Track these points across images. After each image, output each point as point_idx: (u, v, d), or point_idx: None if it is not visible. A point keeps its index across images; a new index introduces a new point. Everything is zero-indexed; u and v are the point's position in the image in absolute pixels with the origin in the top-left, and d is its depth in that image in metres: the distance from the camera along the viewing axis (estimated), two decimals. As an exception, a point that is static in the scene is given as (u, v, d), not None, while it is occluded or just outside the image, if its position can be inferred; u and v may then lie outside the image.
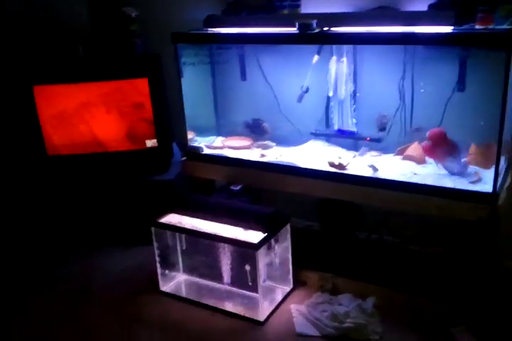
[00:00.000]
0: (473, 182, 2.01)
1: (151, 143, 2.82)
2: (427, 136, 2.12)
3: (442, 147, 2.10)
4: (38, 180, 2.84)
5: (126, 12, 2.77)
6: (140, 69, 2.71)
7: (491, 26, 1.85)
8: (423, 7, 2.11)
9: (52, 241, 2.88)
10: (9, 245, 2.85)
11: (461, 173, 2.11)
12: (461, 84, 2.09)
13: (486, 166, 2.05)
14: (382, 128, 2.26)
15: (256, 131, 2.65)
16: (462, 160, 2.12)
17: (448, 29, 1.87)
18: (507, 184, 2.07)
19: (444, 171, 2.13)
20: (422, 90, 2.20)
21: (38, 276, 2.62)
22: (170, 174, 2.83)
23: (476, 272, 2.17)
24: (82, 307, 2.35)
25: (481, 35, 1.82)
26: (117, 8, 2.83)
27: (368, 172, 2.20)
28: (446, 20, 1.87)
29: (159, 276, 2.43)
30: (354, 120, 2.40)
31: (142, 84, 2.71)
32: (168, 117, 2.83)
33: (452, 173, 2.12)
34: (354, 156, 2.34)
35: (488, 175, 1.98)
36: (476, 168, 2.10)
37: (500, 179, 1.96)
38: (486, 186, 1.95)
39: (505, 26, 1.83)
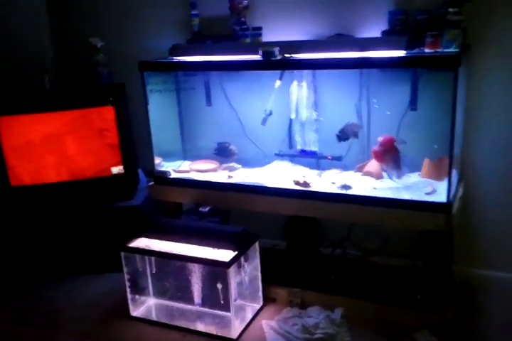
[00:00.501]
0: (428, 194, 2.15)
1: (117, 170, 2.85)
2: (379, 142, 2.26)
3: (391, 153, 2.25)
4: (2, 211, 2.80)
5: (92, 42, 2.84)
6: (105, 97, 2.76)
7: (439, 50, 2.03)
8: (377, 33, 2.30)
9: (20, 271, 2.82)
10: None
11: (399, 178, 2.30)
12: (413, 104, 2.26)
13: (439, 178, 2.20)
14: (355, 135, 2.33)
15: (223, 153, 2.72)
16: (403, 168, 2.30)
17: (400, 53, 2.03)
18: (459, 194, 2.23)
19: (400, 185, 2.28)
20: (376, 106, 2.35)
21: (5, 307, 2.56)
22: (136, 200, 2.85)
23: (434, 280, 2.28)
24: (51, 336, 2.31)
25: (430, 57, 2.00)
26: (83, 38, 2.90)
27: (332, 187, 2.31)
28: (398, 45, 2.03)
29: (129, 301, 2.42)
30: (316, 139, 2.52)
31: (108, 113, 2.76)
32: (134, 144, 2.88)
33: (391, 177, 2.30)
34: (318, 174, 2.45)
35: (442, 186, 2.12)
36: (430, 180, 2.26)
37: (453, 190, 2.12)
38: (441, 197, 2.08)
39: (451, 49, 2.00)
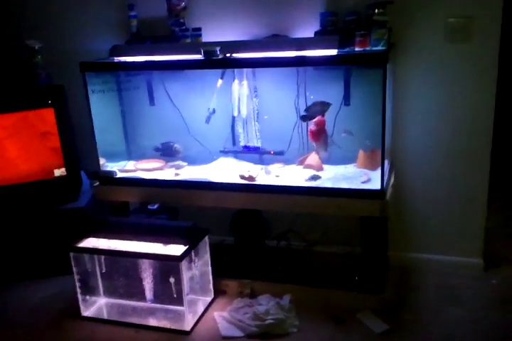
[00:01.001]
0: (364, 182, 2.31)
1: (59, 172, 2.82)
2: (314, 122, 2.41)
3: (323, 133, 2.43)
4: None
5: (29, 45, 2.79)
6: (45, 99, 2.72)
7: (367, 48, 2.18)
8: (310, 34, 2.43)
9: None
10: None
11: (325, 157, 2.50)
12: (346, 100, 2.42)
13: (373, 168, 2.37)
14: (322, 113, 2.41)
15: (168, 153, 2.77)
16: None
17: (333, 52, 2.17)
18: (391, 182, 2.41)
19: (340, 176, 2.43)
20: (311, 97, 2.47)
21: None
22: (81, 202, 2.83)
23: (372, 264, 2.44)
24: (3, 339, 2.28)
25: (361, 55, 2.15)
26: (20, 40, 2.86)
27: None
28: (330, 44, 2.17)
29: (80, 302, 2.41)
30: (258, 136, 2.63)
31: (48, 115, 2.73)
32: (76, 145, 2.86)
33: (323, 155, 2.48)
34: (261, 169, 2.56)
35: (376, 175, 2.29)
36: (365, 170, 2.42)
37: (386, 178, 2.28)
38: (375, 184, 2.25)
39: (379, 47, 2.16)
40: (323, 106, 2.40)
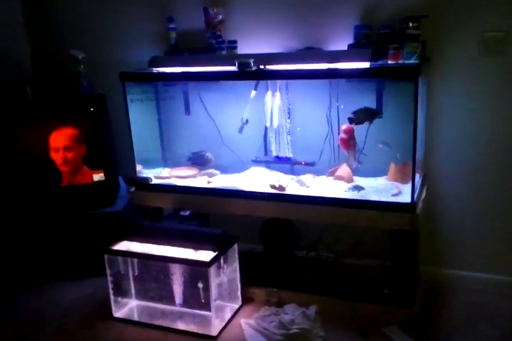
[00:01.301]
0: (394, 195, 2.30)
1: (98, 177, 2.93)
2: (343, 130, 2.42)
3: (352, 140, 2.43)
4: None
5: (72, 54, 2.93)
6: (87, 108, 2.85)
7: (400, 61, 2.19)
8: (343, 47, 2.46)
9: (4, 276, 2.88)
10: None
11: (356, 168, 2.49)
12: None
13: (404, 181, 2.35)
14: (371, 120, 2.37)
15: (199, 162, 2.84)
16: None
17: (366, 65, 2.19)
18: (423, 196, 2.39)
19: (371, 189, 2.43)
20: (341, 106, 2.48)
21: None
22: (117, 206, 2.94)
23: (402, 278, 2.42)
24: (36, 337, 2.37)
25: (393, 68, 2.17)
26: (64, 50, 3.00)
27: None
28: (363, 57, 2.19)
29: (112, 303, 2.49)
30: (290, 147, 2.67)
31: (89, 122, 2.85)
32: (115, 152, 2.98)
33: (352, 165, 2.48)
34: (292, 179, 2.59)
35: (407, 189, 2.28)
36: (396, 183, 2.41)
37: (417, 192, 2.27)
38: (405, 198, 2.24)
39: (412, 60, 2.17)
40: (374, 115, 2.36)
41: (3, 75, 3.12)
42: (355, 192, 2.38)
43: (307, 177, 2.59)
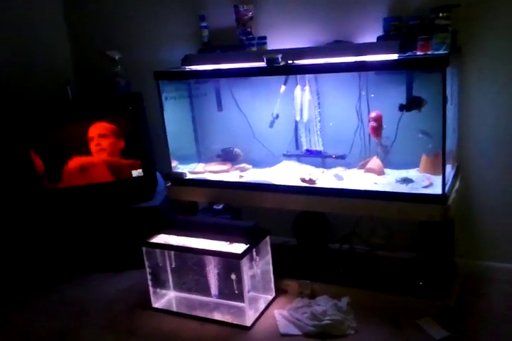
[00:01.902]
0: (425, 187, 2.29)
1: (137, 173, 3.04)
2: (372, 118, 2.42)
3: (381, 128, 2.44)
4: (36, 211, 3.02)
5: (110, 55, 3.05)
6: (124, 106, 2.95)
7: (429, 52, 2.17)
8: (372, 39, 2.45)
9: (46, 268, 3.04)
10: (10, 270, 3.04)
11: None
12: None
13: (436, 173, 2.33)
14: (418, 108, 2.34)
15: (228, 157, 2.91)
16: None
17: (394, 56, 2.18)
18: (456, 187, 2.36)
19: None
20: (372, 95, 2.48)
21: (32, 301, 2.76)
22: (155, 201, 3.04)
23: (436, 270, 2.40)
24: (79, 327, 2.49)
25: (420, 59, 2.15)
26: (101, 51, 3.11)
27: (333, 182, 2.46)
28: (392, 49, 2.18)
29: (151, 294, 2.59)
30: (320, 140, 2.69)
31: (127, 120, 2.95)
32: (152, 148, 3.07)
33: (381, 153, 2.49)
34: (323, 172, 2.61)
35: (439, 180, 2.25)
36: (428, 175, 2.40)
37: (448, 183, 2.26)
38: (437, 189, 2.22)
39: (441, 51, 2.14)
40: (421, 103, 2.33)
41: (45, 76, 3.27)
42: (404, 185, 2.36)
43: (338, 170, 2.60)
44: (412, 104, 2.34)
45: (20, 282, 2.98)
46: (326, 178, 2.55)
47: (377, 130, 2.45)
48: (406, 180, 2.39)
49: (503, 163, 2.47)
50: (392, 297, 2.38)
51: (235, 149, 2.89)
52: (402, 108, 2.36)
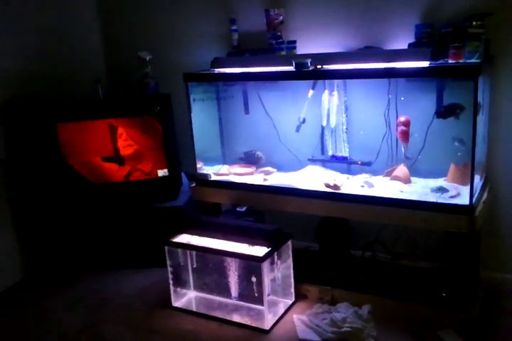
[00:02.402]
0: (452, 197, 2.26)
1: (162, 172, 3.07)
2: (401, 122, 2.39)
3: (409, 133, 2.41)
4: (66, 206, 3.08)
5: (141, 56, 3.09)
6: (153, 107, 2.98)
7: (461, 60, 2.15)
8: (404, 45, 2.43)
9: (70, 264, 3.10)
10: (34, 263, 3.10)
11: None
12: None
13: (464, 183, 2.29)
14: (456, 115, 2.29)
15: (251, 160, 2.92)
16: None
17: (426, 64, 2.16)
18: (483, 198, 2.32)
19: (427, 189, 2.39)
20: (402, 98, 2.45)
21: (55, 295, 2.82)
22: (179, 201, 3.07)
23: (460, 281, 2.36)
24: (99, 322, 2.53)
25: (452, 67, 2.13)
26: (132, 51, 3.16)
27: (362, 190, 2.44)
28: (423, 57, 2.16)
29: (172, 293, 2.61)
30: (346, 146, 2.68)
31: (155, 121, 2.98)
32: (178, 149, 3.10)
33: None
34: (347, 178, 2.60)
35: (466, 190, 2.21)
36: (455, 184, 2.36)
37: (476, 194, 2.22)
38: (464, 199, 2.19)
39: (473, 60, 2.12)
40: (460, 110, 2.28)
41: (78, 75, 3.33)
42: (438, 194, 2.32)
43: (363, 177, 2.59)
44: (449, 111, 2.30)
45: (43, 275, 3.05)
46: (351, 184, 2.53)
47: (406, 134, 2.42)
48: (441, 189, 2.34)
49: (532, 174, 2.43)
50: (414, 307, 2.34)
51: (258, 152, 2.90)
52: (439, 115, 2.33)
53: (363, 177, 2.59)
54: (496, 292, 2.54)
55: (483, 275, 2.53)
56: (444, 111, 2.32)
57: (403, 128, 2.41)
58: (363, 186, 2.49)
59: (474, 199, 2.17)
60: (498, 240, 2.57)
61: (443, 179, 2.46)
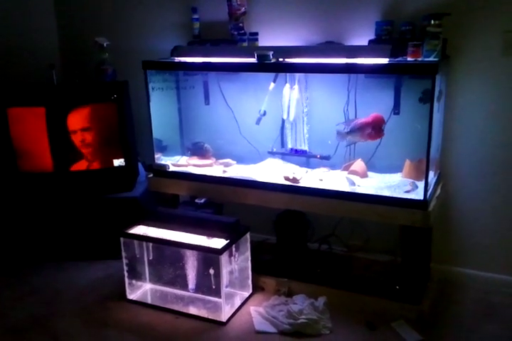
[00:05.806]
0: (407, 192, 2.31)
1: (118, 162, 3.00)
2: (370, 124, 2.37)
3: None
4: (9, 195, 2.97)
5: (98, 41, 2.99)
6: (110, 94, 2.90)
7: (419, 58, 2.19)
8: (364, 42, 2.45)
9: (22, 255, 3.00)
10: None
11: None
12: (396, 109, 2.42)
13: (419, 178, 2.36)
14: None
15: (198, 152, 2.89)
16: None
17: (385, 60, 2.19)
18: (437, 194, 2.39)
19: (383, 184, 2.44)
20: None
21: (5, 286, 2.73)
22: (136, 191, 3.01)
23: (412, 274, 2.44)
24: (52, 315, 2.46)
25: (411, 65, 2.16)
26: (89, 37, 3.07)
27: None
28: (383, 53, 2.19)
29: (126, 285, 2.57)
30: (306, 140, 2.69)
31: (111, 108, 2.91)
32: (135, 138, 3.04)
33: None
34: (306, 172, 2.61)
35: (421, 186, 2.28)
36: (410, 180, 2.41)
37: (430, 189, 2.28)
38: (418, 195, 2.25)
39: (431, 58, 2.16)
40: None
41: (32, 60, 3.20)
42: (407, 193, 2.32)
43: (321, 171, 2.61)
44: (428, 95, 2.25)
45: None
46: (310, 178, 2.55)
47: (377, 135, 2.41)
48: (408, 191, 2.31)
49: (484, 172, 2.50)
50: (368, 299, 2.40)
51: (205, 145, 2.87)
52: (422, 100, 2.29)
53: (322, 170, 2.62)
54: (446, 285, 2.63)
55: (436, 268, 2.61)
56: (425, 97, 2.29)
57: (371, 132, 2.37)
58: (321, 179, 2.51)
59: (428, 194, 2.23)
60: (449, 235, 2.65)
61: (399, 174, 2.51)
